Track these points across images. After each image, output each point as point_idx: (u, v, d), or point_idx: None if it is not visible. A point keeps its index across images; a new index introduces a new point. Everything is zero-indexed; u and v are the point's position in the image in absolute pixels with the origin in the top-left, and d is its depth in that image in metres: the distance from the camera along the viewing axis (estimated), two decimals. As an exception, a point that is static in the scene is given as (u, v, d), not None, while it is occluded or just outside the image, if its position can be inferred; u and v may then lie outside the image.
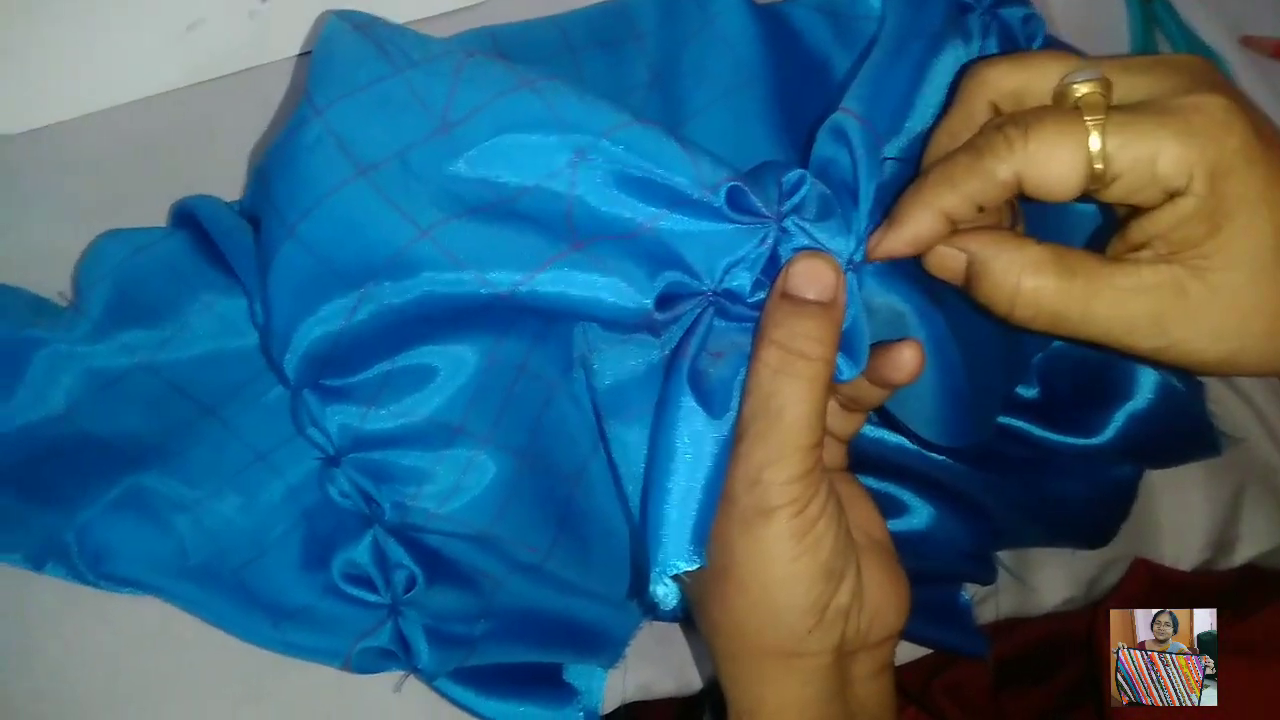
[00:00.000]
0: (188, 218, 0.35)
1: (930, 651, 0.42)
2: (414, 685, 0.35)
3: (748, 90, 0.39)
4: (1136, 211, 0.29)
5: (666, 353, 0.31)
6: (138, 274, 0.34)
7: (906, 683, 0.45)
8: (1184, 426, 0.43)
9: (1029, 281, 0.28)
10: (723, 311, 0.30)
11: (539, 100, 0.29)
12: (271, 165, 0.31)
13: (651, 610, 0.37)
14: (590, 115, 0.29)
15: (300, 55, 0.39)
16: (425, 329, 0.31)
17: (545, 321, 0.32)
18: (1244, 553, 0.47)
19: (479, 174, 0.29)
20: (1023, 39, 0.37)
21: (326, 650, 0.34)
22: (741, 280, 0.30)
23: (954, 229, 0.29)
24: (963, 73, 0.32)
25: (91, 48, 0.37)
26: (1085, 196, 0.28)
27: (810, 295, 0.29)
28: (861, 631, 0.30)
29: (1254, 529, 0.47)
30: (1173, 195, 0.27)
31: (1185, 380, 0.43)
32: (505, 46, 0.37)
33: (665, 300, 0.29)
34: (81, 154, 0.37)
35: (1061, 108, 0.28)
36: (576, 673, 0.37)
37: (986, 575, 0.42)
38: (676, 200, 0.29)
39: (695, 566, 0.27)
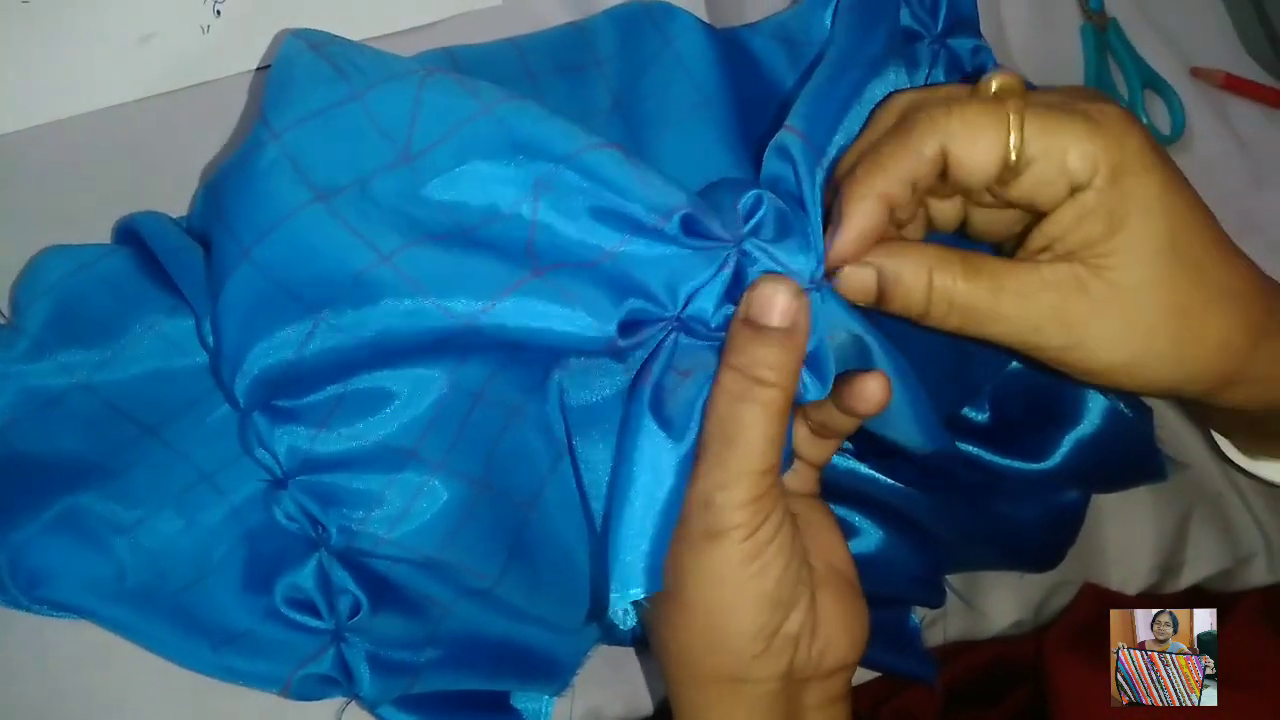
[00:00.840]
0: (132, 235, 0.34)
1: (878, 675, 0.42)
2: (356, 712, 0.35)
3: (706, 112, 0.39)
4: (1035, 222, 0.30)
5: (632, 376, 0.31)
6: (78, 291, 0.33)
7: (855, 708, 0.45)
8: (1131, 452, 0.44)
9: (939, 278, 0.29)
10: (688, 334, 0.30)
11: (500, 127, 0.29)
12: (225, 186, 0.30)
13: (610, 633, 0.36)
14: (552, 140, 0.29)
15: (256, 70, 0.38)
16: (382, 356, 0.31)
17: (509, 349, 0.32)
18: (1190, 577, 0.48)
19: (441, 201, 0.29)
20: (971, 69, 0.37)
21: (266, 676, 0.33)
22: (704, 305, 0.30)
23: (893, 219, 0.30)
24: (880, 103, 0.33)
25: (41, 60, 0.36)
26: (991, 196, 0.29)
27: (772, 321, 0.29)
28: (813, 660, 0.30)
29: (1200, 553, 0.48)
30: (1074, 191, 0.28)
31: (1133, 406, 0.44)
32: (465, 68, 0.37)
33: (629, 326, 0.29)
34: (29, 167, 0.36)
35: (983, 97, 0.29)
36: (523, 697, 0.37)
37: (935, 599, 0.42)
38: (636, 227, 0.29)
39: (649, 593, 0.27)
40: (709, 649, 0.29)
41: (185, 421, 0.33)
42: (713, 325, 0.30)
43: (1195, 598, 0.48)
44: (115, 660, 0.34)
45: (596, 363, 0.32)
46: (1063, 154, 0.28)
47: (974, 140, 0.28)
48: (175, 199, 0.36)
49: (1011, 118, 0.28)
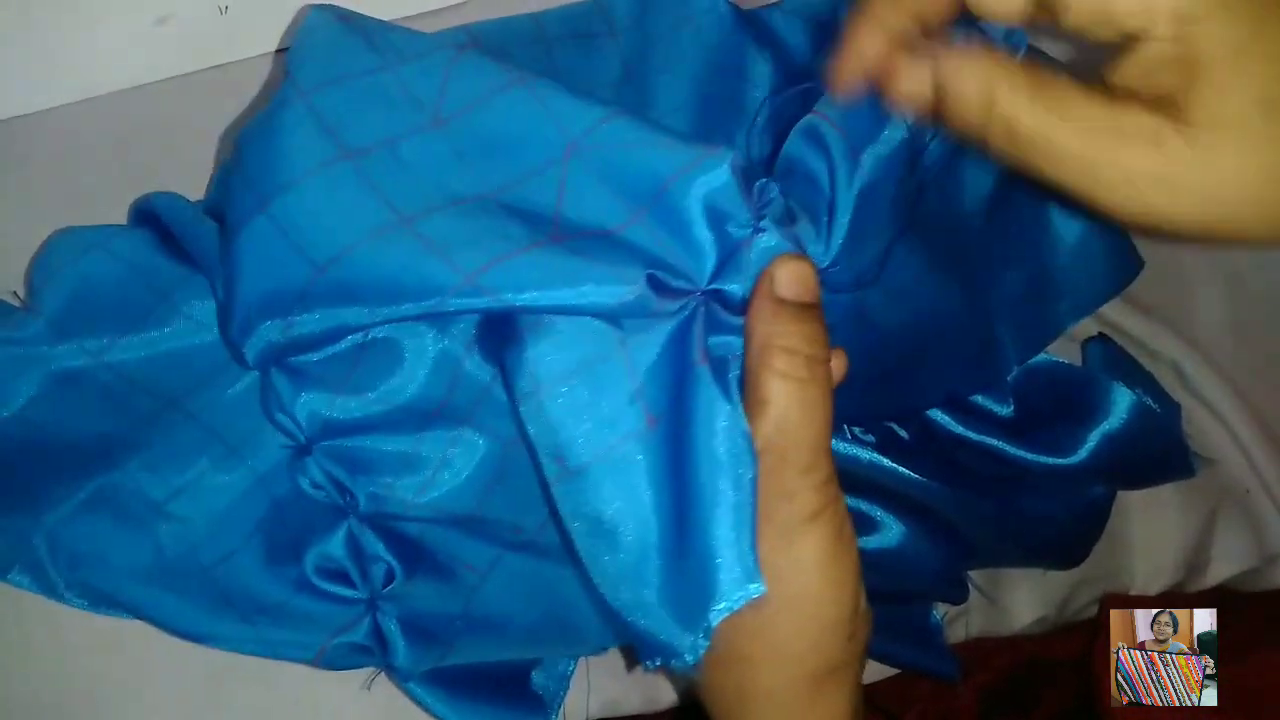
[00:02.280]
0: (146, 215, 0.34)
1: (898, 673, 0.42)
2: (372, 695, 0.35)
3: (719, 92, 0.39)
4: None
5: (635, 381, 0.28)
6: (93, 271, 0.33)
7: (892, 708, 0.44)
8: (1158, 447, 0.43)
9: (1001, 94, 0.25)
10: (712, 312, 0.29)
11: (532, 97, 0.29)
12: (247, 141, 0.30)
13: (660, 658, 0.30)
14: (583, 111, 0.28)
15: (276, 52, 0.38)
16: (396, 319, 0.29)
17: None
18: (1216, 575, 0.47)
19: (470, 167, 0.29)
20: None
21: (300, 644, 0.32)
22: (731, 282, 0.28)
23: (901, 50, 0.27)
24: None
25: (57, 41, 0.36)
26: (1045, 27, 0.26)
27: (807, 299, 0.28)
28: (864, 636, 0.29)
29: (1226, 551, 0.47)
30: (1134, 39, 0.25)
31: (1161, 401, 0.43)
32: (483, 42, 0.37)
33: (656, 288, 0.28)
34: (45, 149, 0.36)
35: None
36: (539, 676, 0.36)
37: (958, 595, 0.42)
38: (662, 194, 0.28)
39: (760, 593, 0.26)
40: (811, 643, 0.28)
41: (206, 395, 0.33)
42: (738, 300, 0.28)
43: (1221, 597, 0.47)
44: (129, 646, 0.33)
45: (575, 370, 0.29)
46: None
47: None
48: (192, 182, 0.36)
49: None
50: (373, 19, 0.31)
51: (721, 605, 0.26)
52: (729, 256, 0.28)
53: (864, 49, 0.27)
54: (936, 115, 0.27)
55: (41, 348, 0.32)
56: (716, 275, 0.28)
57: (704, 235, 0.28)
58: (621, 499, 0.27)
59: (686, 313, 0.28)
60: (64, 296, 0.32)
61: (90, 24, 0.36)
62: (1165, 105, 0.24)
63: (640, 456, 0.27)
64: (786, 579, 0.27)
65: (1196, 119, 0.24)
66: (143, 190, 0.35)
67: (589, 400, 0.28)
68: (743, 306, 0.28)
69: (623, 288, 0.27)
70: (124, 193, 0.35)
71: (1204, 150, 0.24)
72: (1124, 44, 0.25)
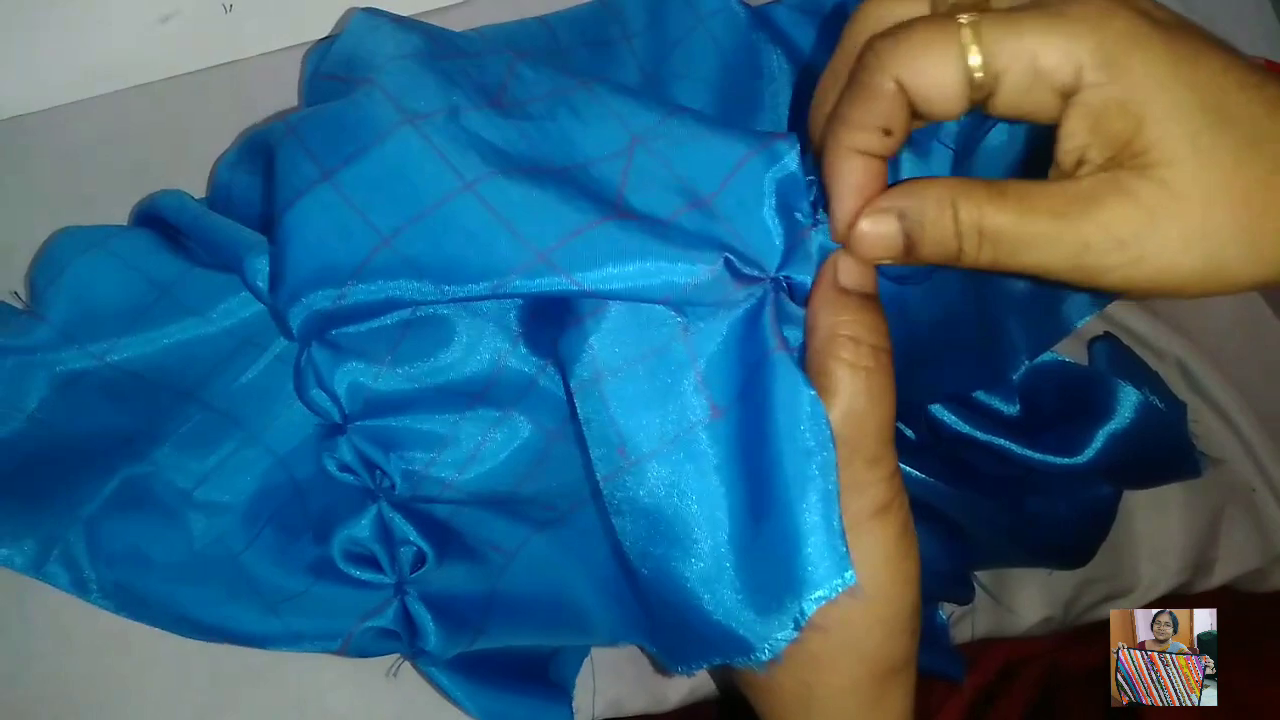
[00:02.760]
0: (147, 216, 0.34)
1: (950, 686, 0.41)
2: (379, 699, 0.35)
3: (738, 93, 0.39)
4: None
5: (698, 370, 0.28)
6: (95, 270, 0.32)
7: None
8: (1165, 447, 0.43)
9: (965, 210, 0.25)
10: (778, 300, 0.28)
11: (593, 98, 0.29)
12: (304, 120, 0.29)
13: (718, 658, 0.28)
14: (646, 109, 0.29)
15: (280, 50, 0.38)
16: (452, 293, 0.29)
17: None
18: (1221, 575, 0.47)
19: (533, 146, 0.28)
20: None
21: (326, 633, 0.32)
22: (800, 271, 0.28)
23: (882, 167, 0.27)
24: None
25: (60, 39, 0.36)
26: (985, 115, 0.26)
27: (869, 289, 0.28)
28: None
29: (1232, 550, 0.47)
30: (1069, 95, 0.25)
31: (1167, 401, 0.43)
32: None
33: (734, 274, 0.27)
34: (49, 148, 0.36)
35: (937, 13, 0.26)
36: (552, 668, 0.36)
37: (964, 594, 0.42)
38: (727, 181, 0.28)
39: (853, 581, 0.25)
40: (880, 639, 0.27)
41: (218, 384, 0.33)
42: (806, 290, 0.28)
43: (1224, 597, 0.47)
44: (134, 647, 0.33)
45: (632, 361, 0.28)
46: (1033, 59, 0.24)
47: (928, 68, 0.25)
48: (196, 180, 0.36)
49: (965, 31, 0.24)
50: (426, 23, 0.31)
51: (818, 594, 0.25)
52: (795, 245, 0.28)
53: (849, 178, 0.27)
54: (910, 253, 0.27)
55: (47, 353, 0.32)
56: (784, 263, 0.28)
57: (773, 222, 0.28)
58: (687, 490, 0.27)
59: (753, 301, 0.28)
60: (67, 299, 0.32)
61: (94, 22, 0.36)
62: (1124, 161, 0.24)
63: (706, 447, 0.27)
64: (866, 571, 0.26)
65: (1156, 157, 0.24)
66: (145, 190, 0.35)
67: (651, 389, 0.27)
68: (806, 298, 0.28)
69: (699, 266, 0.27)
70: (127, 192, 0.35)
71: (1175, 186, 0.24)
72: (1065, 108, 0.25)
